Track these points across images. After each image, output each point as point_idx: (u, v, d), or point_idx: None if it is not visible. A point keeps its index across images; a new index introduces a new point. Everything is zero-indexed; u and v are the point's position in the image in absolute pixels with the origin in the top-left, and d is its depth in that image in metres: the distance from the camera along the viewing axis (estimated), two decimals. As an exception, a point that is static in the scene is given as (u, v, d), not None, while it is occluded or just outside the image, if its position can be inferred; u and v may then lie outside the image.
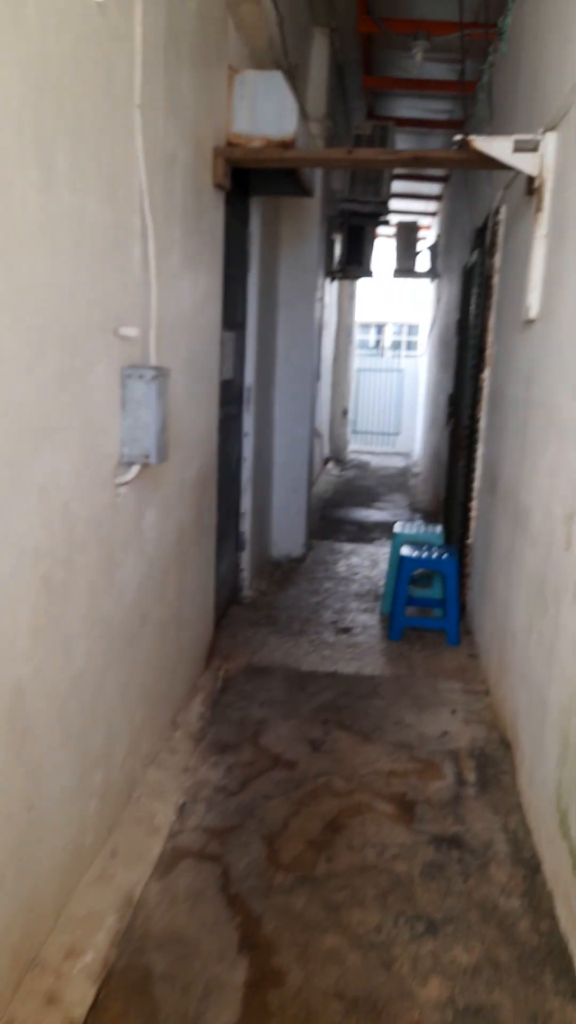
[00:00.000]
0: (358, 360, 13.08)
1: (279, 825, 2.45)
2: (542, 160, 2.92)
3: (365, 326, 15.23)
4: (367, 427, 13.21)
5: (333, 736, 3.01)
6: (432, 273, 9.40)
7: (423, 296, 12.42)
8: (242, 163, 3.23)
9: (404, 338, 15.36)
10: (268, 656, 3.78)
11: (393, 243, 10.40)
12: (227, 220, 3.67)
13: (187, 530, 3.02)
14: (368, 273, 8.77)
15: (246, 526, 4.59)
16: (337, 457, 11.27)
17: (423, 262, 9.79)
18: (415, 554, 4.02)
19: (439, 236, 9.37)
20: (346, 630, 4.19)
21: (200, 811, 2.52)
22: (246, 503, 4.56)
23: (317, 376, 8.39)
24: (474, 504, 4.21)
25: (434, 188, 9.02)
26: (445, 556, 3.99)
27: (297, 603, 4.61)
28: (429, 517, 7.29)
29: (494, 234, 4.05)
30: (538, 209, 2.94)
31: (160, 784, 2.60)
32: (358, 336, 12.65)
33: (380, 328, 15.52)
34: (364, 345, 13.63)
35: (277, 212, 4.96)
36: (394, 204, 9.85)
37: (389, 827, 2.45)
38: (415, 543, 4.26)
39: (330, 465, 10.55)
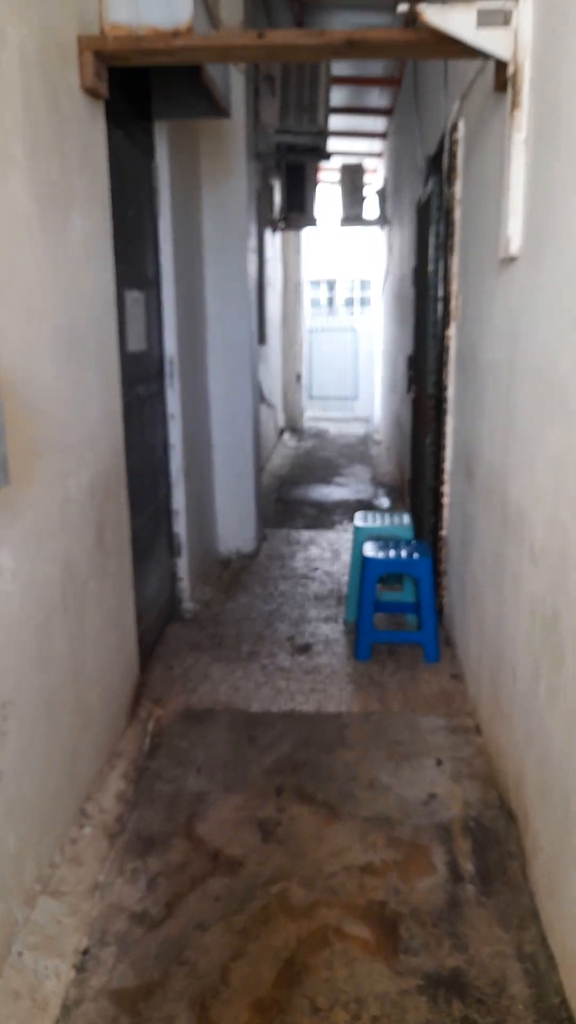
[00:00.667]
0: (309, 320, 12.25)
1: (216, 976, 1.78)
2: (515, 37, 2.18)
3: (315, 283, 14.37)
4: (323, 392, 12.45)
5: (290, 813, 2.34)
6: (381, 220, 8.59)
7: (374, 247, 11.57)
8: (119, 59, 2.42)
9: (357, 294, 14.54)
10: (211, 694, 3.09)
11: (338, 189, 9.55)
12: (120, 147, 2.86)
13: (79, 561, 2.28)
14: (312, 221, 7.94)
15: (181, 526, 3.85)
16: (293, 427, 10.52)
17: (371, 208, 8.97)
18: (381, 555, 3.34)
19: (386, 179, 8.54)
20: (305, 648, 3.51)
21: (109, 961, 1.83)
22: (179, 499, 3.82)
23: (260, 339, 7.62)
24: (446, 490, 3.53)
25: (378, 124, 8.16)
26: (416, 556, 3.31)
27: (248, 614, 3.92)
28: (394, 493, 6.62)
29: (452, 157, 3.30)
30: (514, 106, 2.20)
31: (54, 923, 1.90)
32: (308, 294, 11.80)
33: (331, 285, 14.66)
34: (315, 304, 12.79)
35: (194, 145, 4.13)
36: (336, 144, 8.99)
37: (366, 966, 1.79)
38: (379, 538, 3.58)
39: (286, 436, 9.81)
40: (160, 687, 3.13)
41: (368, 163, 9.29)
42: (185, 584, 3.92)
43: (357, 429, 11.19)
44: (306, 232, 10.18)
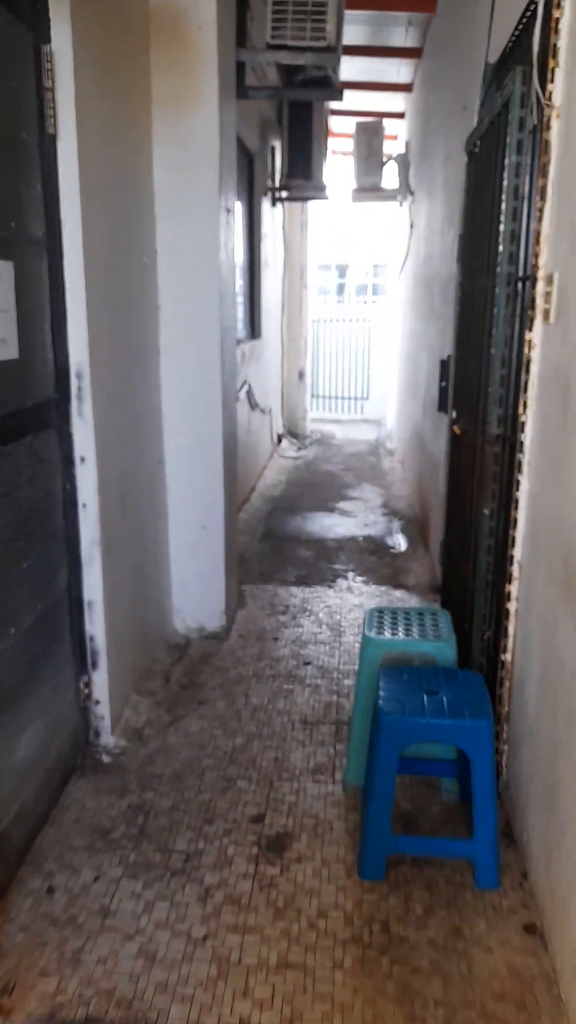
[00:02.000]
0: (315, 309, 10.85)
1: None
2: None
3: (323, 267, 12.93)
4: (330, 391, 11.06)
5: None
6: (402, 191, 7.18)
7: (391, 226, 10.14)
8: None
9: (370, 281, 13.10)
10: (106, 975, 1.76)
11: (350, 158, 8.14)
12: None
13: None
14: (320, 191, 6.53)
15: (97, 625, 2.52)
16: (294, 431, 9.16)
17: (390, 178, 7.56)
18: (407, 706, 1.99)
19: (409, 142, 7.12)
20: (279, 846, 2.17)
21: None
22: (92, 584, 2.48)
23: (253, 332, 6.25)
24: (515, 591, 2.17)
25: (402, 71, 6.73)
26: (467, 715, 1.95)
27: (198, 758, 2.59)
28: (412, 528, 5.25)
29: (547, 37, 1.92)
30: None
31: None
32: (314, 280, 10.37)
33: (342, 270, 13.22)
34: (322, 291, 11.37)
35: (135, 47, 2.75)
36: (350, 100, 7.57)
37: None
38: (404, 675, 2.22)
39: (284, 444, 8.45)
40: (18, 950, 1.81)
41: (387, 127, 7.85)
42: (105, 708, 2.59)
43: (367, 434, 9.81)
44: (313, 206, 8.77)
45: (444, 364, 3.78)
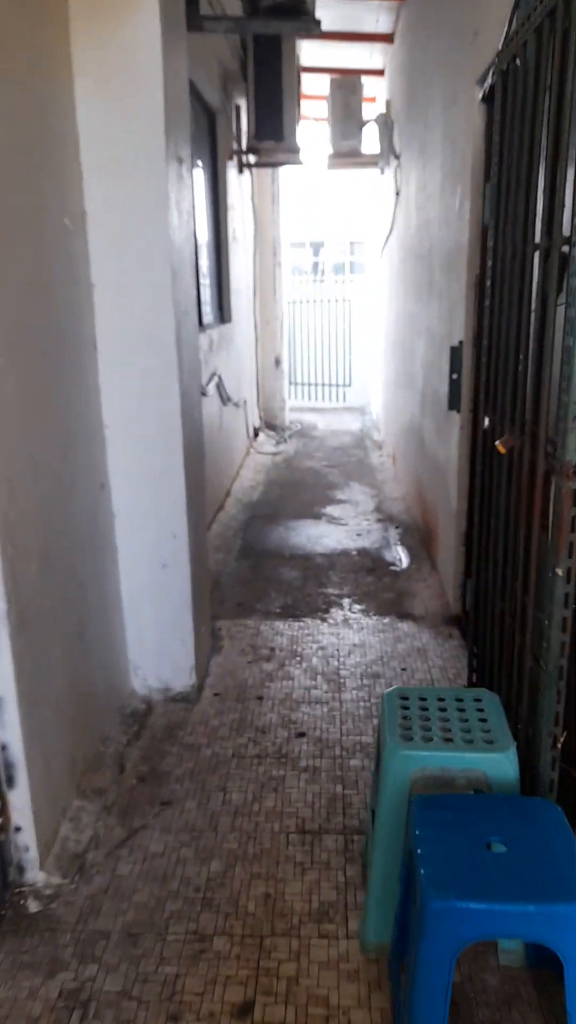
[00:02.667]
0: (290, 289, 10.09)
1: None
2: None
3: (297, 245, 12.17)
4: (309, 378, 10.34)
5: None
6: (385, 155, 6.45)
7: (373, 195, 9.41)
8: None
9: (347, 259, 12.36)
10: None
11: (326, 115, 7.39)
12: None
13: None
14: (293, 152, 5.78)
15: (10, 728, 1.82)
16: (271, 423, 8.44)
17: (370, 143, 6.83)
18: (461, 881, 1.32)
19: (392, 101, 6.38)
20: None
21: None
22: (2, 675, 1.79)
23: (222, 316, 5.49)
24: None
25: (383, 18, 5.98)
26: (558, 902, 1.28)
27: (159, 904, 1.91)
28: (413, 538, 4.58)
29: None
30: None
31: None
32: (288, 257, 9.60)
33: (317, 247, 12.46)
34: (297, 270, 10.62)
35: None
36: (322, 55, 6.81)
37: None
38: (448, 812, 1.54)
39: (262, 438, 7.74)
40: None
41: (365, 88, 7.09)
42: (29, 834, 1.90)
43: (351, 423, 9.12)
44: (285, 174, 8.00)
45: (456, 352, 3.10)
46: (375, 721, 2.63)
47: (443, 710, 1.74)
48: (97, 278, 2.41)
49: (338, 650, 3.19)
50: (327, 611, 3.61)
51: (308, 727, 2.63)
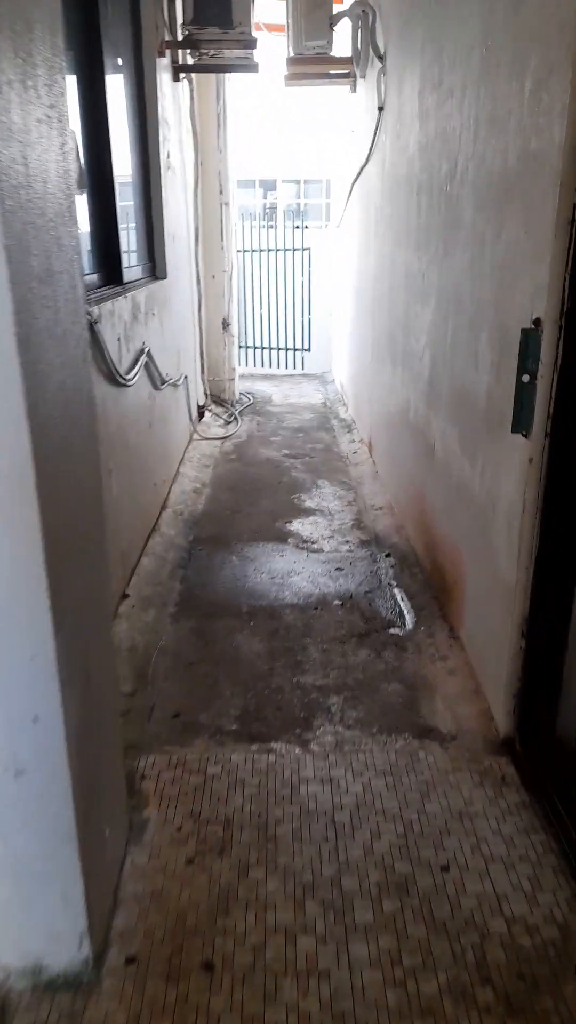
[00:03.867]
0: (237, 236, 8.63)
1: None
2: None
3: (245, 184, 10.64)
4: (260, 341, 8.95)
5: None
6: (362, 59, 5.05)
7: (339, 122, 8.00)
8: None
9: (302, 200, 10.91)
10: None
11: (281, 27, 5.93)
12: None
13: None
14: (245, 44, 4.35)
15: None
16: (218, 396, 7.10)
17: (341, 42, 5.40)
18: None
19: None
20: None
21: None
22: None
23: (154, 271, 4.02)
24: None
25: None
26: None
27: None
28: (413, 575, 3.38)
29: None
30: None
31: None
32: (236, 195, 8.11)
33: (269, 187, 10.93)
34: (246, 213, 9.11)
35: None
36: None
37: None
38: None
39: (207, 419, 6.40)
40: None
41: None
42: None
43: (312, 395, 7.84)
44: (233, 89, 6.49)
45: (530, 340, 1.86)
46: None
47: None
48: None
49: (334, 820, 1.99)
50: (308, 724, 2.40)
51: (299, 1045, 1.44)
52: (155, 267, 4.43)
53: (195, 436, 5.76)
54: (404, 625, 3.02)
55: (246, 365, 8.93)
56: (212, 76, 6.12)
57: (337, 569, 3.57)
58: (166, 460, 4.41)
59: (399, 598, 3.24)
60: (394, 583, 3.39)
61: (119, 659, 2.70)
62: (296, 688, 2.60)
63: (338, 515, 4.30)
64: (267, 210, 10.66)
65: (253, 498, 4.58)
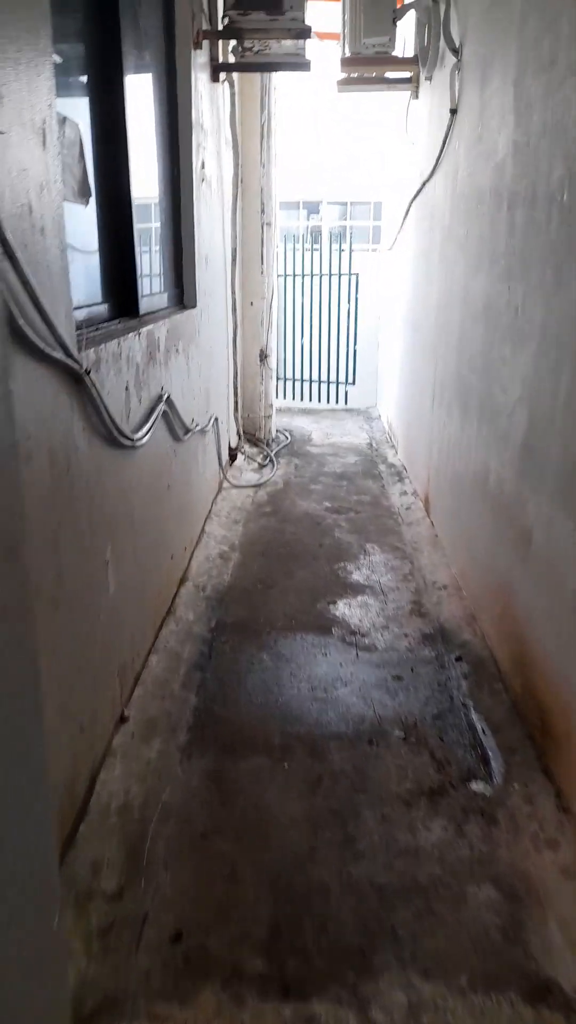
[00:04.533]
0: (282, 259, 8.00)
1: None
2: None
3: (289, 206, 10.04)
4: (299, 373, 8.28)
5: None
6: (431, 57, 4.37)
7: (397, 133, 7.39)
8: None
9: (350, 222, 10.27)
10: None
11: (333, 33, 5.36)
12: None
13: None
14: (298, 32, 3.71)
15: None
16: (254, 436, 6.42)
17: (405, 37, 4.75)
18: None
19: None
20: None
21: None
22: None
23: (182, 299, 3.33)
24: None
25: None
26: None
27: None
28: (494, 693, 2.61)
29: None
30: None
31: None
32: (279, 216, 7.48)
33: (313, 210, 10.34)
34: (289, 235, 8.48)
35: None
36: None
37: None
38: None
39: (240, 462, 5.72)
40: None
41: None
42: None
43: (355, 433, 7.12)
44: (282, 96, 5.88)
45: None
46: None
47: None
48: None
49: None
50: (366, 962, 1.65)
51: None
52: (183, 294, 3.78)
53: (225, 484, 5.07)
54: (490, 778, 2.25)
55: (284, 398, 8.26)
56: (257, 82, 5.52)
57: (395, 678, 2.81)
58: (188, 523, 3.72)
59: (479, 729, 2.48)
60: (470, 704, 2.62)
61: (105, 827, 1.97)
62: (348, 889, 1.85)
63: (392, 594, 3.55)
64: (310, 232, 10.05)
65: (289, 567, 3.86)
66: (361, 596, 3.53)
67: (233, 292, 5.21)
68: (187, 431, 3.49)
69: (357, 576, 3.76)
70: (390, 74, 5.15)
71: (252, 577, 3.72)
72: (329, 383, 8.14)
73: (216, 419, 4.57)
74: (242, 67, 4.12)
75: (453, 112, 3.84)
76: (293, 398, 8.28)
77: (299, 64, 4.05)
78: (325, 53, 7.65)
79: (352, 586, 3.64)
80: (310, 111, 8.76)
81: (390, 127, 7.02)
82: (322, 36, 7.55)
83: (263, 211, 5.83)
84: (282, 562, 3.92)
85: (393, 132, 6.77)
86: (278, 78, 5.82)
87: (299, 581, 3.68)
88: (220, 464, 4.89)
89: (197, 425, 3.72)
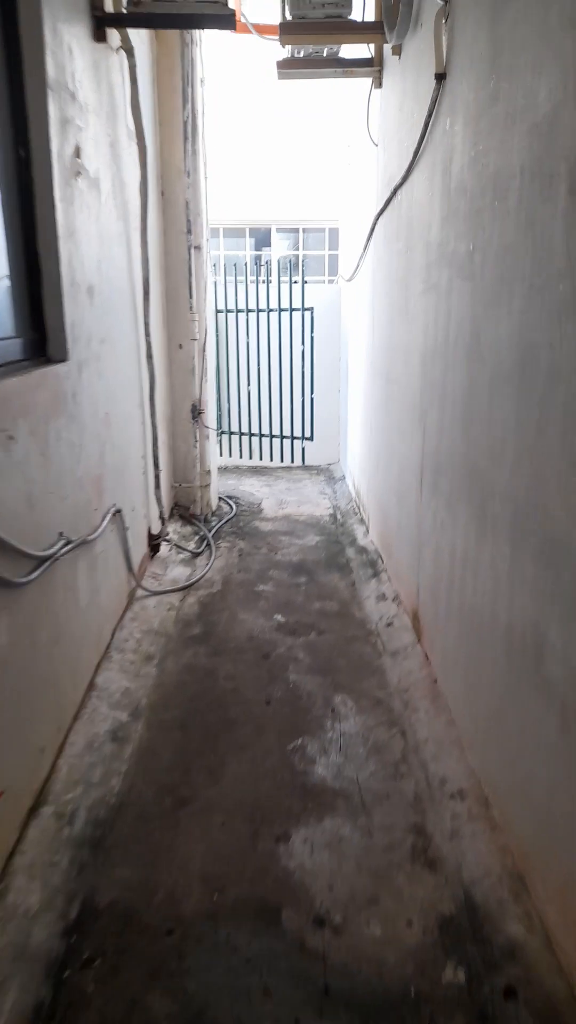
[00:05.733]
0: (220, 293, 6.76)
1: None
2: None
3: (234, 233, 8.92)
4: (249, 426, 7.01)
5: None
6: (401, 22, 3.22)
7: (353, 149, 6.31)
8: None
9: (302, 252, 9.18)
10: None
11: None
12: None
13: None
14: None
15: None
16: (187, 511, 5.10)
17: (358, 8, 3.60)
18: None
19: None
20: None
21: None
22: None
23: (53, 350, 2.03)
24: None
25: None
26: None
27: None
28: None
29: None
30: None
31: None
32: (210, 239, 6.22)
33: (263, 239, 9.20)
34: (233, 267, 7.25)
35: None
36: None
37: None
38: None
39: (165, 551, 4.38)
40: None
41: None
42: None
43: (316, 501, 5.85)
44: (212, 85, 4.68)
45: None
46: None
47: None
48: None
49: None
50: None
51: None
52: (44, 342, 2.47)
53: (140, 591, 3.73)
54: None
55: (230, 456, 6.98)
56: (177, 70, 4.32)
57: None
58: (64, 686, 2.37)
59: None
60: None
61: None
62: None
63: (378, 811, 2.23)
64: (257, 261, 8.90)
65: (220, 752, 2.52)
66: (328, 818, 2.20)
67: (148, 335, 3.92)
68: (45, 560, 2.16)
69: (322, 769, 2.44)
70: (346, 55, 4.00)
71: (158, 781, 2.36)
72: (283, 438, 6.87)
73: (118, 511, 3.24)
74: (137, 20, 2.89)
75: (440, 78, 2.64)
76: (241, 456, 7.00)
77: (218, 17, 2.84)
78: (268, 52, 6.55)
79: (314, 793, 2.31)
80: (253, 121, 7.65)
81: (346, 135, 5.91)
82: (262, 31, 6.42)
83: (189, 231, 4.59)
84: (209, 741, 2.58)
85: (352, 139, 5.65)
86: (206, 67, 4.64)
87: (232, 786, 2.34)
88: (129, 568, 3.55)
89: (64, 544, 2.38)
